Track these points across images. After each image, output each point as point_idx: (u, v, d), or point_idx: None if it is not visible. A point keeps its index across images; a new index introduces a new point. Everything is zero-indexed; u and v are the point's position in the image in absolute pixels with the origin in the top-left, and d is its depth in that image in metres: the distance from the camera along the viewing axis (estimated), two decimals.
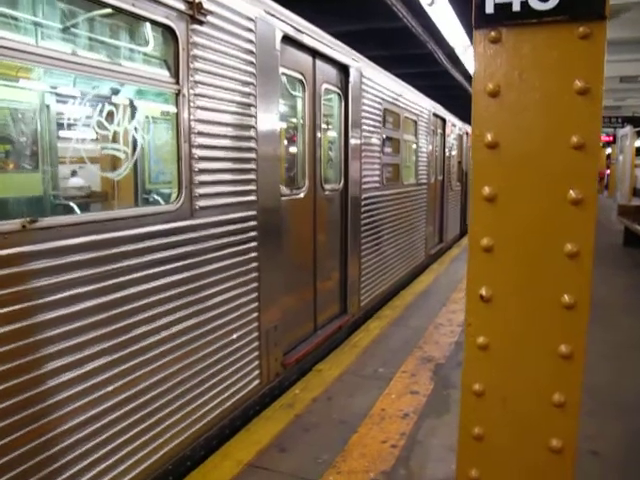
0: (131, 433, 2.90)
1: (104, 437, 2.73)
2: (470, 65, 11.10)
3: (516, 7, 2.13)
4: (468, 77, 12.76)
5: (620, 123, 20.24)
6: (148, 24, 3.01)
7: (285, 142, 5.15)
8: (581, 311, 2.23)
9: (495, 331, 2.37)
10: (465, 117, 13.94)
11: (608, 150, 33.88)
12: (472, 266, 2.38)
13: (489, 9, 2.17)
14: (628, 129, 22.07)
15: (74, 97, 2.89)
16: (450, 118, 11.70)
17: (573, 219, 2.18)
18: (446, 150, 11.37)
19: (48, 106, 3.73)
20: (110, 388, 2.75)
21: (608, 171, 33.77)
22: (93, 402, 2.66)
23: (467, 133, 13.88)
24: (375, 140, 6.70)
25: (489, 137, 2.25)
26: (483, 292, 2.35)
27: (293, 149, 5.16)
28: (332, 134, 5.85)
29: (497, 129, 2.24)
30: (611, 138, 27.03)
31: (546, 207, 2.22)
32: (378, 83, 6.73)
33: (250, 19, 3.78)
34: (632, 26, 8.78)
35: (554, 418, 2.31)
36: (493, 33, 2.19)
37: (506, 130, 2.24)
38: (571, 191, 2.15)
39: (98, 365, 2.67)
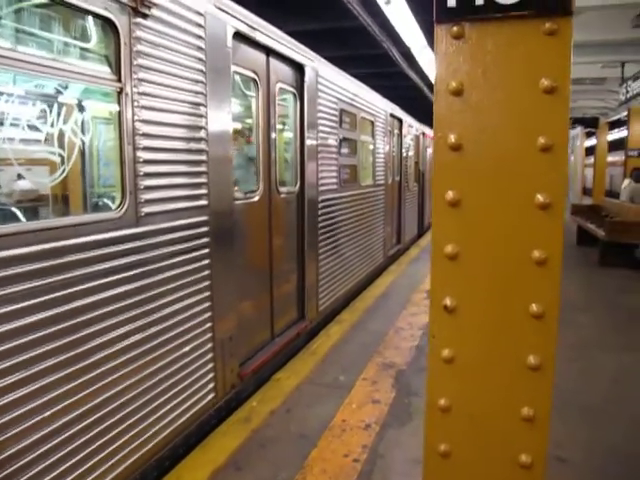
0: (77, 458, 2.68)
1: (48, 463, 2.50)
2: (426, 65, 11.11)
3: (479, 0, 2.01)
4: (424, 78, 12.80)
5: (571, 124, 20.76)
6: (85, 16, 2.78)
7: (238, 143, 4.95)
8: (550, 320, 2.13)
9: (460, 343, 2.25)
10: (421, 118, 14.00)
11: None
12: (435, 275, 2.26)
13: (451, 2, 2.04)
14: (579, 130, 22.67)
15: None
16: (407, 119, 11.69)
17: (541, 224, 2.07)
18: (403, 151, 11.34)
19: None
20: (49, 412, 2.52)
21: None
22: (34, 426, 2.43)
23: (423, 134, 13.92)
24: (332, 141, 6.57)
25: (452, 138, 2.12)
26: (447, 302, 2.22)
27: (247, 151, 4.97)
28: (287, 135, 5.68)
29: (460, 130, 2.12)
30: None
31: (512, 212, 2.11)
32: (334, 83, 6.60)
33: (199, 14, 3.58)
34: (583, 30, 8.92)
35: (523, 433, 2.20)
36: (455, 28, 2.06)
37: (470, 131, 2.11)
38: (538, 195, 2.05)
39: (36, 387, 2.44)
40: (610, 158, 21.62)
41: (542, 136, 2.03)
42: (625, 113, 16.56)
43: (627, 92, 10.70)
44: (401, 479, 3.18)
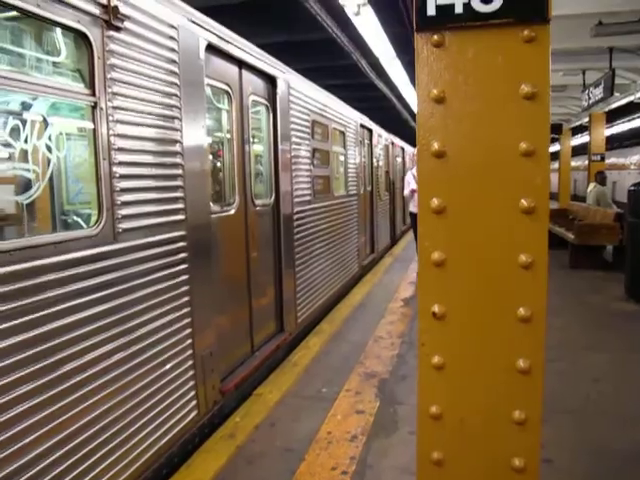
0: None
1: None
2: (395, 76, 11.22)
3: (458, 9, 2.03)
4: (393, 88, 12.95)
5: None
6: (58, 29, 2.72)
7: (213, 157, 4.91)
8: (538, 323, 2.15)
9: (450, 349, 2.25)
10: (390, 128, 14.12)
11: None
12: (423, 283, 2.26)
13: (431, 11, 2.05)
14: None
15: None
16: (376, 129, 11.78)
17: (526, 229, 2.09)
18: (374, 160, 11.42)
19: None
20: (29, 439, 2.42)
21: None
22: (9, 457, 2.33)
23: (393, 143, 14.04)
24: (305, 152, 6.57)
25: (435, 146, 2.13)
26: (436, 309, 2.22)
27: (222, 164, 4.93)
28: (261, 147, 5.66)
29: (443, 137, 2.13)
30: None
31: (498, 217, 2.13)
32: (306, 94, 6.62)
33: (172, 26, 3.55)
34: None
35: (515, 436, 2.21)
36: (436, 36, 2.08)
37: (453, 138, 2.13)
38: (523, 200, 2.07)
39: (10, 416, 2.34)
40: (573, 163, 22.13)
41: (524, 141, 2.05)
42: (587, 119, 16.98)
43: (589, 98, 10.99)
44: None
